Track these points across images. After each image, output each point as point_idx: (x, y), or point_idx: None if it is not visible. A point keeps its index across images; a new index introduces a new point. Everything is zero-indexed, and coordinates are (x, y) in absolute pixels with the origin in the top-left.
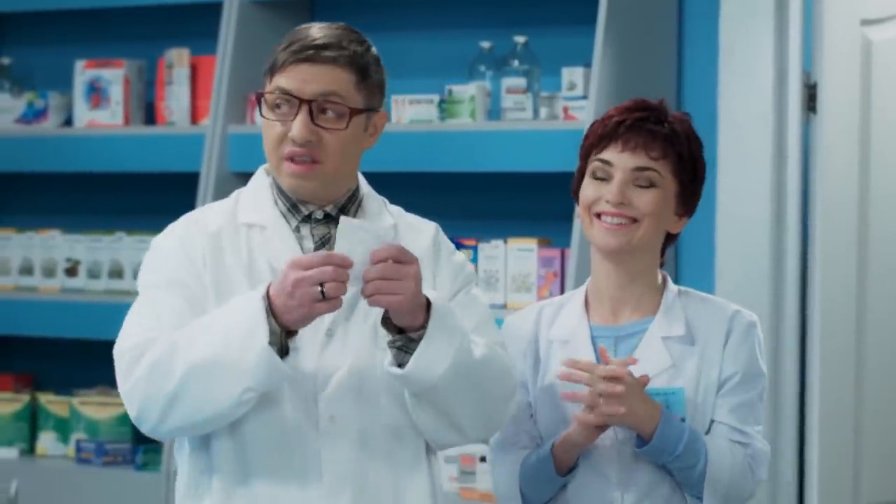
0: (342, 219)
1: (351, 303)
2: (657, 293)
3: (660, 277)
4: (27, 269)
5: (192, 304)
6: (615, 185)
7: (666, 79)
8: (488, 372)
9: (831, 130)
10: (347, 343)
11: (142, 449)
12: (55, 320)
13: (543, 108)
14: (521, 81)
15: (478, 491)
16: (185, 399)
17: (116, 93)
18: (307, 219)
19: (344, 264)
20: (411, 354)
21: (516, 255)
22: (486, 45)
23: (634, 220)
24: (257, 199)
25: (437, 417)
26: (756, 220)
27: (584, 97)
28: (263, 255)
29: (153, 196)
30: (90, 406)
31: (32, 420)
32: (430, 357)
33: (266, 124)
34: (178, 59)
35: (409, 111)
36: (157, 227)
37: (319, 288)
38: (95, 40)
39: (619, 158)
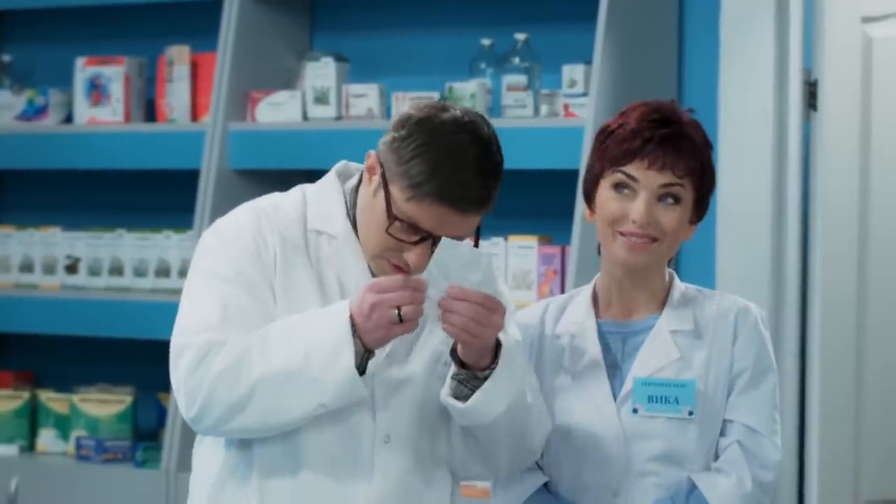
0: (445, 239)
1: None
2: (664, 292)
3: (667, 275)
4: (27, 267)
5: (259, 305)
6: (642, 204)
7: (666, 76)
8: (534, 416)
9: (832, 128)
10: (407, 367)
11: (142, 446)
12: (55, 317)
13: (544, 106)
14: (521, 79)
15: (477, 488)
16: (253, 407)
17: (117, 90)
18: None
19: (420, 287)
20: (469, 388)
21: (517, 252)
22: (486, 42)
23: (656, 240)
24: (327, 206)
25: (478, 451)
26: (756, 217)
27: (585, 94)
28: (332, 267)
29: (153, 193)
30: (90, 403)
31: (32, 417)
32: (492, 397)
33: (383, 228)
34: (178, 57)
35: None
36: (157, 225)
37: (396, 311)
38: (96, 37)
39: (645, 176)
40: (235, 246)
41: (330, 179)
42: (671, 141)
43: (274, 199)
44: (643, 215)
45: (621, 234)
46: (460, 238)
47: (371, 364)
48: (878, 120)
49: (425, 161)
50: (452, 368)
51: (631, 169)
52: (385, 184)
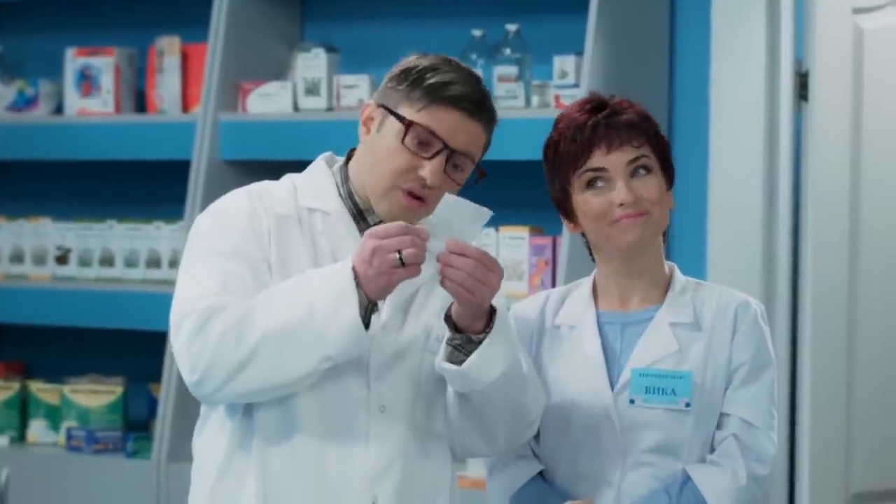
0: (448, 195)
1: (407, 301)
2: (664, 284)
3: (667, 268)
4: (17, 257)
5: (257, 279)
6: (622, 185)
7: (658, 67)
8: (529, 389)
9: (823, 119)
10: (401, 337)
11: (133, 436)
12: (46, 308)
13: (535, 97)
14: (512, 70)
15: (469, 478)
16: (257, 364)
17: (107, 81)
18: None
19: (421, 234)
20: (464, 353)
21: (508, 243)
22: (477, 33)
23: (647, 212)
24: (318, 186)
25: (475, 422)
26: (748, 207)
27: (576, 85)
28: (326, 240)
29: (144, 184)
30: (81, 394)
31: (23, 408)
32: (488, 359)
33: (397, 149)
34: (168, 47)
35: None
36: (147, 215)
37: (398, 255)
38: (86, 28)
39: (610, 161)
40: (230, 224)
41: (318, 164)
42: (614, 119)
43: (264, 183)
44: (627, 195)
45: (614, 222)
46: (470, 157)
47: (374, 320)
48: (870, 111)
49: (433, 77)
50: (447, 333)
51: (594, 161)
52: (391, 111)
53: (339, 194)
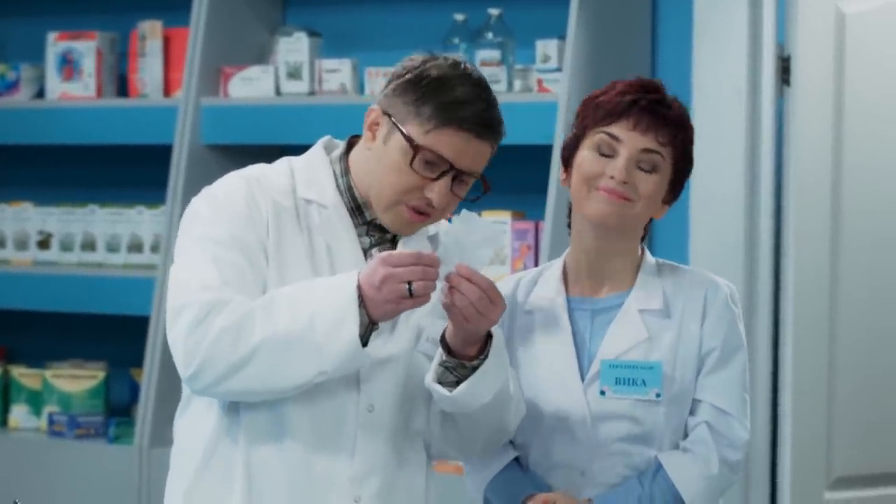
0: (464, 212)
1: None
2: (634, 267)
3: (639, 250)
4: None
5: (255, 268)
6: (621, 162)
7: (640, 51)
8: (513, 407)
9: (805, 103)
10: (392, 338)
11: (114, 422)
12: (27, 293)
13: (517, 81)
14: (495, 54)
15: (449, 463)
16: (253, 368)
17: (89, 65)
18: (367, 222)
19: (433, 264)
20: (455, 376)
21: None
22: (459, 17)
23: (629, 199)
24: (316, 176)
25: (456, 437)
26: (730, 192)
27: (559, 69)
28: (322, 234)
29: (126, 168)
30: (63, 379)
31: (4, 393)
32: (480, 387)
33: (403, 168)
34: (150, 31)
35: (382, 83)
36: (129, 200)
37: (407, 285)
38: (67, 12)
39: (629, 137)
40: (228, 210)
41: (317, 151)
42: (658, 107)
43: (261, 167)
44: (622, 172)
45: (598, 189)
46: (475, 175)
47: (373, 337)
48: (851, 95)
49: (440, 95)
50: (440, 355)
51: (615, 129)
52: (399, 127)
53: (338, 186)
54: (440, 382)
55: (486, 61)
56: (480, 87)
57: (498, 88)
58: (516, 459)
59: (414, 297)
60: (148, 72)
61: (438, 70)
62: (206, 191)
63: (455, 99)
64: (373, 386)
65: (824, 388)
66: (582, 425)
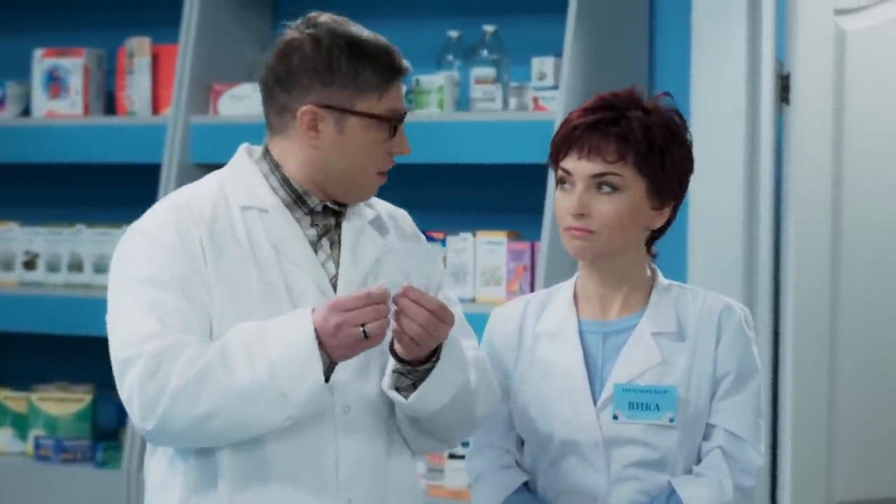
0: (398, 246)
1: None
2: (646, 288)
3: (649, 272)
4: None
5: (195, 305)
6: (575, 196)
7: (638, 69)
8: (479, 400)
9: (804, 121)
10: None
11: (102, 446)
12: (13, 314)
13: (513, 99)
14: (490, 71)
15: (446, 489)
16: (216, 421)
17: (76, 82)
18: (310, 211)
19: (384, 300)
20: (410, 380)
21: (485, 248)
22: (454, 34)
23: (590, 231)
24: (248, 182)
25: (427, 433)
26: (729, 210)
27: (555, 87)
28: (266, 238)
29: (114, 188)
30: (49, 402)
31: None
32: (435, 390)
33: (373, 145)
34: (139, 48)
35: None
36: (117, 220)
37: (362, 329)
38: (54, 28)
39: (577, 167)
40: (160, 246)
41: (241, 158)
42: (599, 127)
43: (188, 190)
44: (574, 207)
45: (565, 229)
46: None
47: (336, 370)
48: (851, 113)
49: (365, 58)
50: (392, 362)
51: (567, 163)
52: (352, 111)
53: (270, 186)
54: (397, 388)
55: (480, 79)
56: (363, 28)
57: (492, 106)
58: (525, 484)
59: (369, 339)
60: (136, 89)
61: (331, 38)
62: (135, 227)
63: (377, 53)
64: (346, 387)
65: (825, 410)
66: (594, 450)
